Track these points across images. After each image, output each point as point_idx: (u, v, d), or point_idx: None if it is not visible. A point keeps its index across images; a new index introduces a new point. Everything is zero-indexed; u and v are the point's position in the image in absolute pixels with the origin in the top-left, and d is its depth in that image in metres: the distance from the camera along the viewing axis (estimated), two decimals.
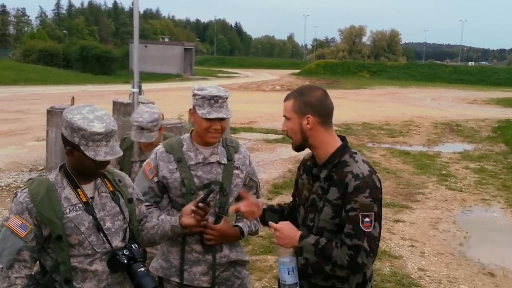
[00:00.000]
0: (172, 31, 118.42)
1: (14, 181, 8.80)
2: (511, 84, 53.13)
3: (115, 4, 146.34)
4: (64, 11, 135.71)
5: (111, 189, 2.29)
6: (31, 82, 31.86)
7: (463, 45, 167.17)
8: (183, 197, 2.65)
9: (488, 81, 56.38)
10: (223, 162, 2.72)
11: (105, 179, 2.29)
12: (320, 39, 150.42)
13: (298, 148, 2.35)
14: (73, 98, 8.72)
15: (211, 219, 2.65)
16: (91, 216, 2.17)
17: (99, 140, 2.06)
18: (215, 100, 2.58)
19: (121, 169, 3.94)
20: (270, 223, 2.39)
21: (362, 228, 2.10)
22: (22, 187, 2.22)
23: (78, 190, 2.18)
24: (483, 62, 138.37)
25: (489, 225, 7.63)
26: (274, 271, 5.29)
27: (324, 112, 2.28)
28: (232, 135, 13.40)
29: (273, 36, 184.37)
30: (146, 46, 47.38)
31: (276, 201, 7.79)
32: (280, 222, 2.34)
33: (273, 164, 10.84)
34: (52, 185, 2.16)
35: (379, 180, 2.25)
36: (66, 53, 46.38)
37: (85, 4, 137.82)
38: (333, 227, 2.21)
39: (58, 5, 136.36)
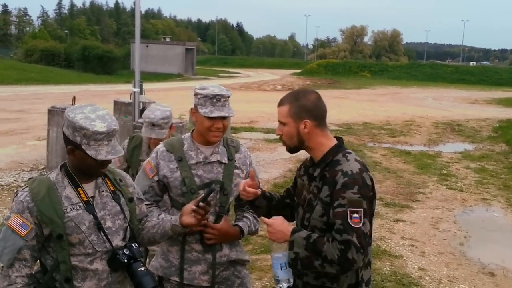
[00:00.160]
0: (173, 31, 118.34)
1: (15, 180, 8.81)
2: None
3: (116, 4, 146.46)
4: (65, 11, 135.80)
5: (111, 188, 2.29)
6: (32, 81, 31.89)
7: (464, 45, 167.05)
8: (183, 196, 2.66)
9: (489, 81, 56.31)
10: (224, 161, 2.73)
11: (106, 179, 2.30)
12: (321, 39, 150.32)
13: (292, 150, 2.37)
14: (74, 97, 8.73)
15: (211, 218, 2.66)
16: (91, 215, 2.17)
17: (101, 140, 2.07)
18: (217, 99, 2.59)
19: (128, 167, 3.97)
20: (262, 218, 2.40)
21: (351, 223, 2.10)
22: (23, 186, 2.23)
23: (79, 189, 2.19)
24: (484, 62, 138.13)
25: (489, 225, 7.64)
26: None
27: (319, 115, 2.30)
28: (233, 134, 13.42)
29: (274, 36, 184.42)
30: (147, 46, 47.37)
31: None
32: (273, 217, 2.34)
33: (273, 163, 10.86)
34: (53, 184, 2.16)
35: (371, 178, 2.25)
36: (68, 53, 46.40)
37: (87, 4, 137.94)
38: (322, 225, 2.22)
39: (59, 5, 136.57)
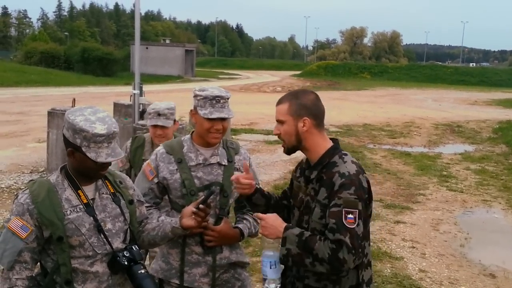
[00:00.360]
0: (173, 33, 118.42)
1: (15, 182, 8.81)
2: None
3: (116, 6, 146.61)
4: (65, 13, 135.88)
5: (112, 190, 2.29)
6: (32, 84, 31.93)
7: (464, 46, 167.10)
8: (183, 198, 2.65)
9: (489, 82, 56.38)
10: (223, 163, 2.72)
11: (106, 181, 2.30)
12: (321, 41, 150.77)
13: (290, 150, 2.36)
14: (74, 99, 8.74)
15: (211, 220, 2.66)
16: (91, 218, 2.17)
17: (101, 142, 2.07)
18: (216, 100, 2.59)
19: (131, 168, 3.98)
20: (256, 213, 2.40)
21: (345, 223, 2.10)
22: (23, 188, 2.23)
23: (79, 191, 2.18)
24: (484, 63, 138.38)
25: (490, 226, 7.63)
26: None
27: (318, 115, 2.31)
28: (233, 136, 13.42)
29: (274, 37, 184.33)
30: (147, 48, 47.37)
31: None
32: (267, 214, 2.34)
33: (273, 165, 10.86)
34: (53, 186, 2.16)
35: (367, 181, 2.26)
36: (68, 55, 46.41)
37: (87, 6, 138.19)
38: (321, 228, 2.21)
39: (59, 7, 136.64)
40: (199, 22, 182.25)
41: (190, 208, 2.39)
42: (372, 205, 2.32)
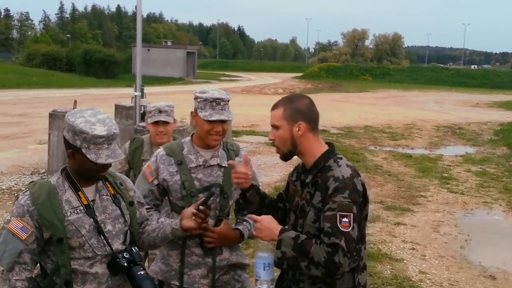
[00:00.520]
0: (175, 35, 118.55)
1: (16, 184, 8.83)
2: None
3: (118, 8, 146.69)
4: (67, 15, 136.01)
5: (112, 192, 2.30)
6: (34, 85, 31.97)
7: (465, 48, 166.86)
8: (183, 200, 2.66)
9: (491, 84, 56.32)
10: (223, 165, 2.73)
11: (106, 182, 2.31)
12: (322, 43, 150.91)
13: (286, 156, 2.36)
14: (75, 101, 8.77)
15: (211, 222, 2.66)
16: (92, 219, 2.18)
17: (101, 143, 2.08)
18: (216, 103, 2.60)
19: (130, 168, 4.00)
20: (251, 215, 2.40)
21: (340, 227, 2.09)
22: (23, 190, 2.24)
23: (79, 193, 2.19)
24: (485, 65, 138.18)
25: (490, 228, 7.63)
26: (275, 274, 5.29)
27: (313, 119, 2.32)
28: (234, 138, 13.43)
29: (275, 39, 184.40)
30: (149, 50, 47.41)
31: None
32: (262, 215, 2.33)
33: (274, 167, 10.86)
34: (54, 188, 2.17)
35: (362, 184, 2.25)
36: (70, 57, 46.48)
37: (89, 8, 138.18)
38: (315, 231, 2.21)
39: (61, 9, 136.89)
40: (200, 24, 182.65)
41: (190, 209, 2.40)
42: (368, 208, 2.32)
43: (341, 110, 23.24)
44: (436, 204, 8.64)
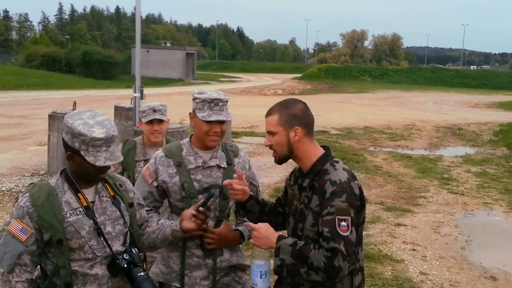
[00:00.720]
0: (174, 36, 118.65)
1: (16, 185, 8.81)
2: None
3: (117, 9, 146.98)
4: (66, 16, 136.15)
5: (112, 193, 2.30)
6: (33, 87, 31.95)
7: (465, 49, 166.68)
8: (182, 201, 2.66)
9: (490, 85, 56.38)
10: (223, 166, 2.73)
11: (106, 184, 2.30)
12: (322, 44, 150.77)
13: (281, 160, 2.37)
14: (74, 103, 8.74)
15: (211, 223, 2.66)
16: (91, 220, 2.18)
17: (99, 146, 2.07)
18: (215, 103, 2.60)
19: (124, 170, 3.99)
20: (248, 223, 2.40)
21: (339, 231, 2.10)
22: (23, 191, 2.23)
23: (79, 194, 2.19)
24: (485, 66, 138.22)
25: (491, 229, 7.62)
26: (275, 276, 5.28)
27: (308, 123, 2.32)
28: (234, 139, 13.42)
29: (275, 40, 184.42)
30: (148, 51, 47.39)
31: None
32: (259, 223, 2.33)
33: (274, 168, 10.84)
34: (53, 189, 2.17)
35: (359, 187, 2.26)
36: (69, 58, 46.45)
37: (88, 9, 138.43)
38: (314, 235, 2.21)
39: (60, 10, 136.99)
40: (200, 25, 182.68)
41: (190, 210, 2.40)
42: (365, 211, 2.33)
43: (340, 111, 23.24)
44: (437, 205, 8.63)
